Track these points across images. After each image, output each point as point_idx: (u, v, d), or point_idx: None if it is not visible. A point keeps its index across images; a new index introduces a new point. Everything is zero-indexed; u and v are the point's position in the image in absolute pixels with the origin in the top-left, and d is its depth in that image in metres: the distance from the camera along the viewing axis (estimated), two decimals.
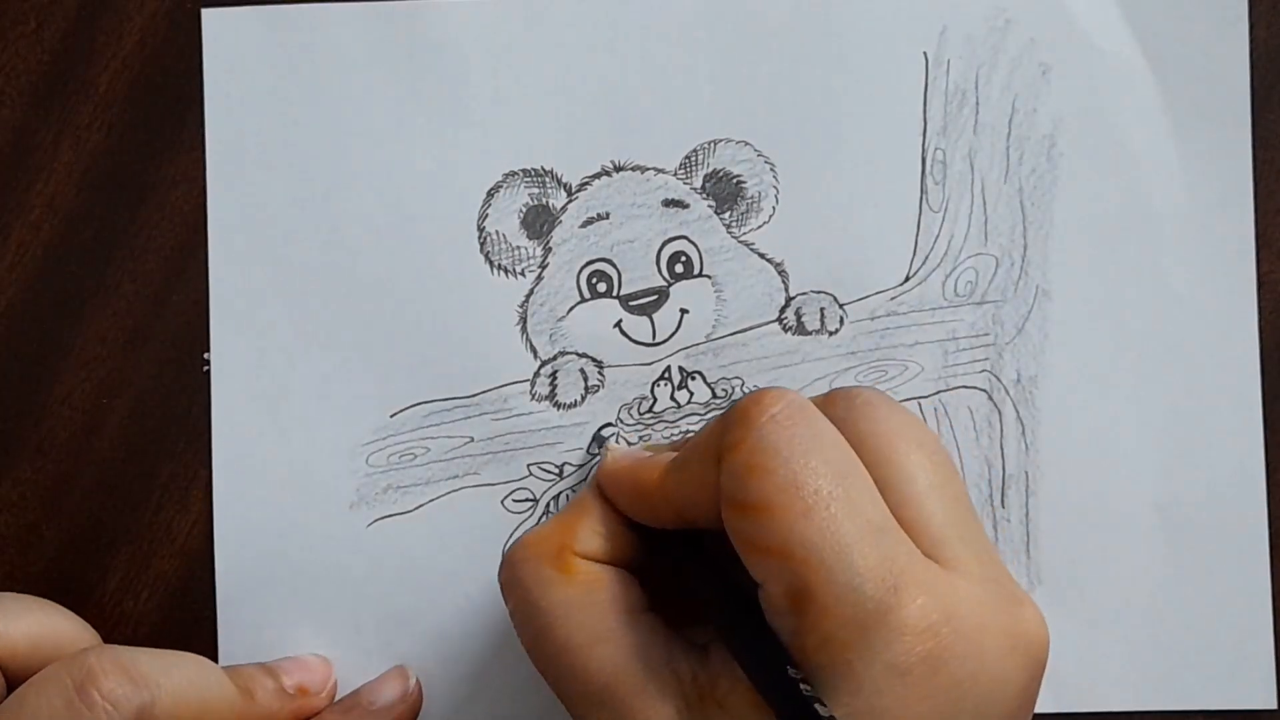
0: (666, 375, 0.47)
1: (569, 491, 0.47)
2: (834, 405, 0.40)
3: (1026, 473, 0.47)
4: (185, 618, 0.47)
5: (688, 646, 0.40)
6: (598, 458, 0.44)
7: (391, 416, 0.47)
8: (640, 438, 0.47)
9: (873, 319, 0.47)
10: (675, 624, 0.41)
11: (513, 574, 0.42)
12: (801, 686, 0.36)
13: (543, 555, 0.41)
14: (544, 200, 0.47)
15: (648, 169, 0.47)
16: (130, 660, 0.40)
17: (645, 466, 0.42)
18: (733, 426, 0.38)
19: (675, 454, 0.41)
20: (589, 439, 0.47)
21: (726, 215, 0.47)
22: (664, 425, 0.47)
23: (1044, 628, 0.38)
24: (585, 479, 0.47)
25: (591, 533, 0.42)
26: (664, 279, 0.47)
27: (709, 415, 0.47)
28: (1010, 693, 0.37)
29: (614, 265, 0.47)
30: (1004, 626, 0.37)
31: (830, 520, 0.37)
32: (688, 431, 0.47)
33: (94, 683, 0.40)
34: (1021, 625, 0.38)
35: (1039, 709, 0.46)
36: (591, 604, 0.40)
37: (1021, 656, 0.37)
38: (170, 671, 0.41)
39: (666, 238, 0.47)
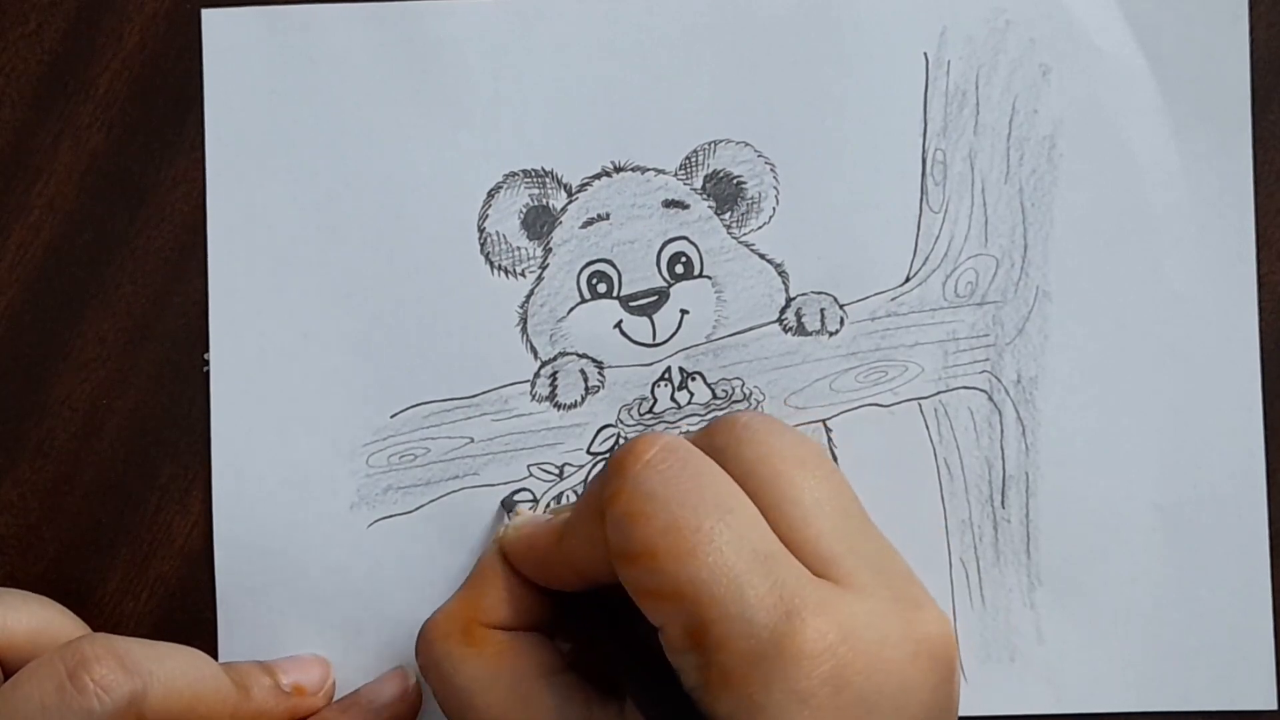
0: (667, 376, 0.47)
1: (569, 492, 0.47)
2: (715, 435, 0.40)
3: (1027, 473, 0.47)
4: (185, 618, 0.47)
5: (606, 701, 0.41)
6: (504, 523, 0.44)
7: (392, 417, 0.47)
8: None
9: (873, 320, 0.47)
10: (596, 678, 0.42)
11: (428, 655, 0.42)
12: None
13: (451, 633, 0.42)
14: (544, 201, 0.47)
15: (648, 169, 0.47)
16: (123, 648, 0.41)
17: (542, 532, 0.42)
18: (610, 479, 0.39)
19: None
20: (590, 439, 0.47)
21: (727, 216, 0.47)
22: (664, 426, 0.47)
23: (945, 626, 0.38)
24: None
25: (497, 602, 0.42)
26: (664, 280, 0.47)
27: (709, 416, 0.47)
28: (920, 698, 0.37)
29: (614, 266, 0.47)
30: (903, 634, 0.37)
31: (716, 555, 0.37)
32: (687, 432, 0.47)
33: (86, 669, 0.40)
34: (922, 629, 0.38)
35: (1041, 710, 0.46)
36: (505, 674, 0.41)
37: (926, 660, 0.37)
38: (163, 661, 0.41)
39: (667, 238, 0.47)
